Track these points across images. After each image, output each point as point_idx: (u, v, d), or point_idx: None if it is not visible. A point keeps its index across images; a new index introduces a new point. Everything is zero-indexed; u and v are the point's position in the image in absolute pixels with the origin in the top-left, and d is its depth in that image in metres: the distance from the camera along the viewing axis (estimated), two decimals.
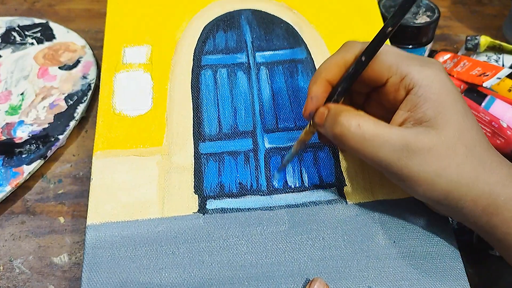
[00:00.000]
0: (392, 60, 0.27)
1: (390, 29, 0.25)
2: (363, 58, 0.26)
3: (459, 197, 0.25)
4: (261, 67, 0.38)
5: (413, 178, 0.25)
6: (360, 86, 0.29)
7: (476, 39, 0.46)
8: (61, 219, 0.36)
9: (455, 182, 0.25)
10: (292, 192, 0.32)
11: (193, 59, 0.38)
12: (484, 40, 0.46)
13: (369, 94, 0.30)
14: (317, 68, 0.38)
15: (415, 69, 0.26)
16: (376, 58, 0.27)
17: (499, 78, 0.42)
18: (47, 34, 0.49)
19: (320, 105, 0.28)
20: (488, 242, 0.27)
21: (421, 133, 0.25)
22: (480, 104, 0.41)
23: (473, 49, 0.47)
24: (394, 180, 0.27)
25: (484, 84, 0.42)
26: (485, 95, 0.42)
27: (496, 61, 0.46)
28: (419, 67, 0.26)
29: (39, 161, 0.38)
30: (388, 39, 0.27)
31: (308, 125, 0.29)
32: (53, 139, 0.39)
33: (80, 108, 0.42)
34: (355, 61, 0.27)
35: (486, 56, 0.47)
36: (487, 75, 0.42)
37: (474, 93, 0.42)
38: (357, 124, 0.25)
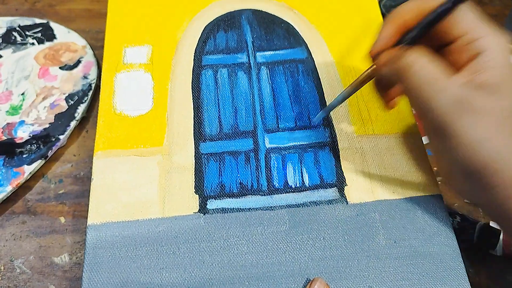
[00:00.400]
0: (469, 20, 0.26)
1: None
2: (449, 4, 0.26)
3: (495, 171, 0.24)
4: (262, 67, 0.38)
5: (459, 137, 0.24)
6: (426, 41, 0.28)
7: None
8: (62, 219, 0.36)
9: (499, 152, 0.24)
10: (292, 192, 0.32)
11: (194, 59, 0.38)
12: None
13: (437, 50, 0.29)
14: (318, 68, 0.38)
15: (490, 34, 0.25)
16: (454, 14, 0.26)
17: None
18: (47, 34, 0.49)
19: (388, 47, 0.27)
20: (507, 232, 0.26)
21: (482, 95, 0.24)
22: None
23: None
24: (435, 137, 0.26)
25: None
26: None
27: None
28: (494, 33, 0.25)
29: (40, 161, 0.38)
30: None
31: (369, 68, 0.29)
32: (53, 139, 0.39)
33: (81, 108, 0.42)
34: (439, 6, 0.26)
35: None
36: None
37: None
38: (425, 61, 0.25)
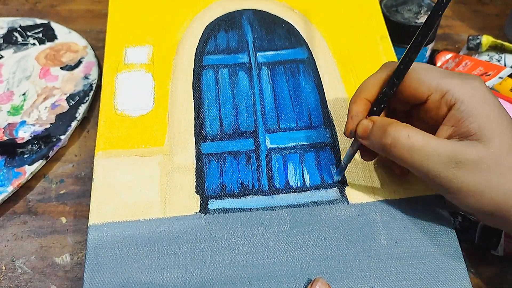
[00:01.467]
0: (431, 78, 0.27)
1: (420, 39, 0.26)
2: (395, 80, 0.27)
3: (509, 208, 0.25)
4: (263, 67, 0.38)
5: (462, 189, 0.25)
6: (401, 104, 0.30)
7: (478, 38, 0.46)
8: (63, 219, 0.36)
9: (505, 193, 0.25)
10: (293, 192, 0.32)
11: (195, 59, 0.38)
12: (486, 39, 0.46)
13: (410, 111, 0.30)
14: (319, 68, 0.38)
15: (455, 85, 0.26)
16: (415, 77, 0.27)
17: (501, 78, 0.42)
18: (48, 35, 0.49)
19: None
20: None
21: (469, 146, 0.25)
22: None
23: (475, 49, 0.47)
24: (442, 192, 0.27)
25: (486, 84, 0.42)
26: None
27: (498, 60, 0.46)
28: (460, 82, 0.26)
29: (41, 161, 0.38)
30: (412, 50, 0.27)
31: (351, 145, 0.30)
32: (55, 140, 0.39)
33: (82, 109, 0.42)
34: (388, 79, 0.28)
35: (488, 55, 0.47)
36: (489, 75, 0.42)
37: None
38: (406, 135, 0.26)
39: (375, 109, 0.28)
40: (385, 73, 0.28)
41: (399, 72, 0.27)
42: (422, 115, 0.28)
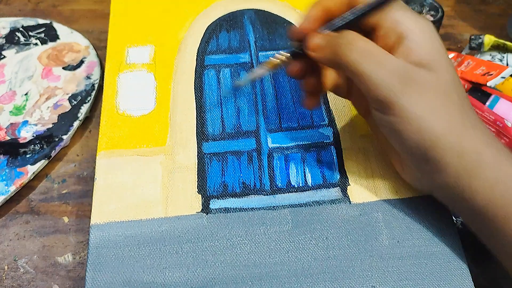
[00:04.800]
0: (396, 14, 0.26)
1: None
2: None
3: (444, 149, 0.24)
4: None
5: (404, 111, 0.24)
6: (352, 29, 0.28)
7: (480, 38, 0.46)
8: (65, 219, 0.36)
9: (445, 128, 0.24)
10: (295, 191, 0.32)
11: (196, 59, 0.38)
12: (488, 39, 0.46)
13: None
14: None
15: (408, 18, 0.26)
16: (384, 9, 0.26)
17: (504, 77, 0.42)
18: (51, 35, 0.49)
19: (313, 30, 0.27)
20: (463, 218, 0.27)
21: (422, 71, 0.25)
22: (484, 103, 0.41)
23: (477, 48, 0.47)
24: (382, 112, 0.26)
25: (488, 84, 0.41)
26: (490, 95, 0.41)
27: (501, 60, 0.46)
28: (412, 16, 0.26)
29: (43, 161, 0.38)
30: None
31: (289, 51, 0.28)
32: (57, 139, 0.40)
33: (84, 108, 0.42)
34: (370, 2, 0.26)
35: (490, 55, 0.47)
36: (491, 75, 0.42)
37: (478, 92, 0.42)
38: (362, 39, 0.25)
39: (341, 22, 0.27)
40: None
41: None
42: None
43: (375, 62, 0.25)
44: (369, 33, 0.27)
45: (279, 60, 0.29)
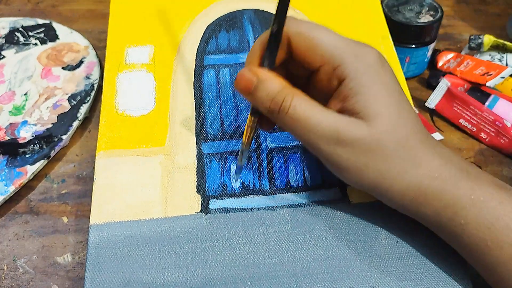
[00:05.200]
0: (326, 48, 0.26)
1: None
2: (274, 29, 0.25)
3: (386, 189, 0.26)
4: None
5: (340, 166, 0.26)
6: (298, 69, 0.28)
7: (480, 38, 0.46)
8: (65, 219, 0.36)
9: (382, 175, 0.25)
10: (295, 191, 0.32)
11: (196, 59, 0.38)
12: (488, 39, 0.46)
13: (309, 78, 0.29)
14: None
15: (348, 60, 0.25)
16: (310, 45, 0.26)
17: (503, 78, 0.42)
18: (50, 35, 0.49)
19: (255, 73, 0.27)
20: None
21: (352, 124, 0.25)
22: (483, 103, 0.41)
23: (477, 48, 0.47)
24: (326, 165, 0.27)
25: (488, 84, 0.42)
26: (489, 95, 0.41)
27: (500, 60, 0.46)
28: (353, 58, 0.25)
29: (42, 161, 0.38)
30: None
31: (251, 112, 0.28)
32: (56, 139, 0.40)
33: (83, 108, 0.42)
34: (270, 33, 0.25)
35: (490, 55, 0.47)
36: (491, 75, 0.42)
37: (478, 92, 0.42)
38: (293, 104, 0.25)
39: (265, 61, 0.26)
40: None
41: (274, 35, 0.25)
42: (315, 83, 0.28)
43: (304, 128, 0.25)
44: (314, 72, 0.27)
45: (253, 129, 0.29)
